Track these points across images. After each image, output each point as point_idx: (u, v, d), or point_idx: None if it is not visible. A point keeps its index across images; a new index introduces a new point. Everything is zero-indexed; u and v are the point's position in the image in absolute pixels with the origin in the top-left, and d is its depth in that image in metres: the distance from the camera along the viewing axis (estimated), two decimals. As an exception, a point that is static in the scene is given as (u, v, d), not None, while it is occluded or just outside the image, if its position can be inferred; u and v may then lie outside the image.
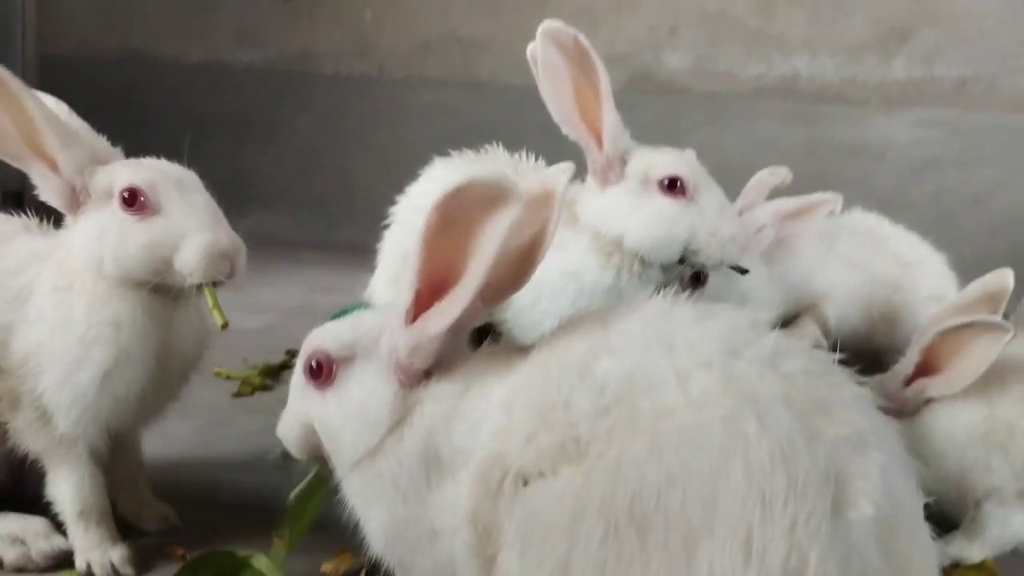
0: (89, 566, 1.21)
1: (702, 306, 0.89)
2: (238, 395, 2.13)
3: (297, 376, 1.03)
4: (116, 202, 1.17)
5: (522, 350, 0.95)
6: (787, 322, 1.86)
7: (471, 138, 5.43)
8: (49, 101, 1.26)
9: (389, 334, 0.96)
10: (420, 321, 0.94)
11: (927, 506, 0.84)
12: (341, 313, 1.72)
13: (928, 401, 1.39)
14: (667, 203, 1.44)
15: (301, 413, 1.02)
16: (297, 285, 3.69)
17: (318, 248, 4.85)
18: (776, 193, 1.99)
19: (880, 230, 1.94)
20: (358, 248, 5.01)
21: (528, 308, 1.49)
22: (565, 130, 1.51)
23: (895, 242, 1.91)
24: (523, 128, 4.71)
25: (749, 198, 1.90)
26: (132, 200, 1.16)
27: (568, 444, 0.81)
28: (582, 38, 1.43)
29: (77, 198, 1.19)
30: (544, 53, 1.44)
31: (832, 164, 4.34)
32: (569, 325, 0.92)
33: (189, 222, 1.16)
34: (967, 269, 4.06)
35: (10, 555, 1.21)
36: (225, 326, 1.22)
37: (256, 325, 2.89)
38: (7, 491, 1.29)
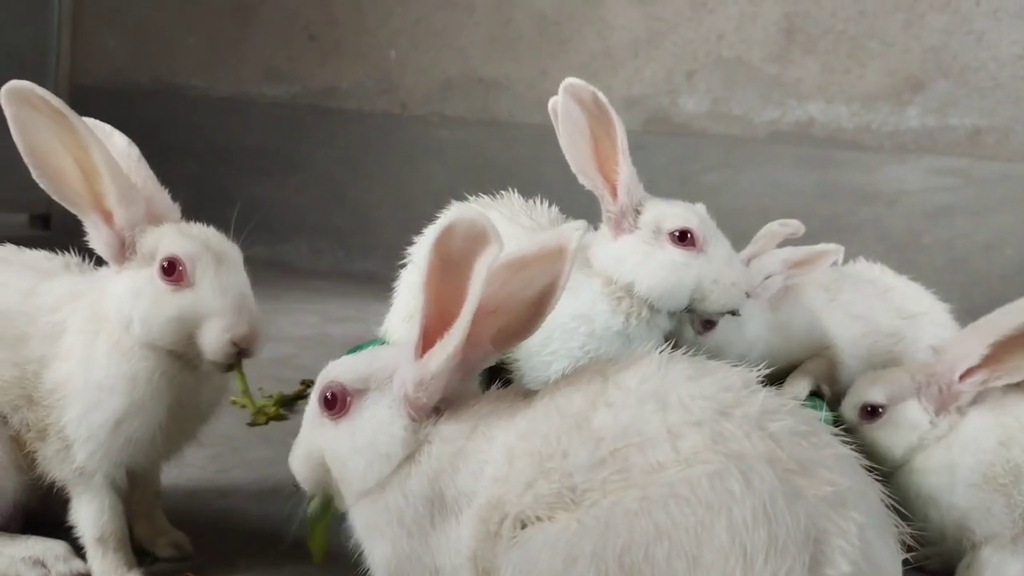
0: (106, 589, 1.25)
1: (698, 363, 0.93)
2: (252, 424, 2.17)
3: (311, 407, 1.08)
4: (156, 268, 1.20)
5: (527, 395, 0.99)
6: (792, 368, 1.90)
7: (489, 175, 5.51)
8: (121, 143, 1.30)
9: (401, 369, 1.01)
10: (424, 357, 0.98)
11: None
12: (357, 348, 1.78)
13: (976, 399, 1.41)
14: (677, 253, 1.50)
15: (313, 445, 1.06)
16: (313, 315, 3.75)
17: (335, 278, 4.92)
18: (789, 243, 2.04)
19: (884, 281, 1.98)
20: (374, 279, 5.09)
21: (539, 349, 1.54)
22: (582, 180, 1.58)
23: (899, 293, 1.94)
24: (540, 166, 4.80)
25: (758, 246, 1.94)
26: (171, 270, 1.19)
27: (564, 492, 0.86)
28: (601, 95, 1.50)
29: (124, 252, 1.22)
30: (565, 108, 1.51)
31: (845, 209, 4.38)
32: (572, 375, 0.97)
33: (216, 304, 1.19)
34: (979, 315, 4.07)
35: (31, 576, 1.25)
36: (256, 415, 1.28)
37: (271, 355, 2.93)
38: (33, 515, 1.34)
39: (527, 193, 5.09)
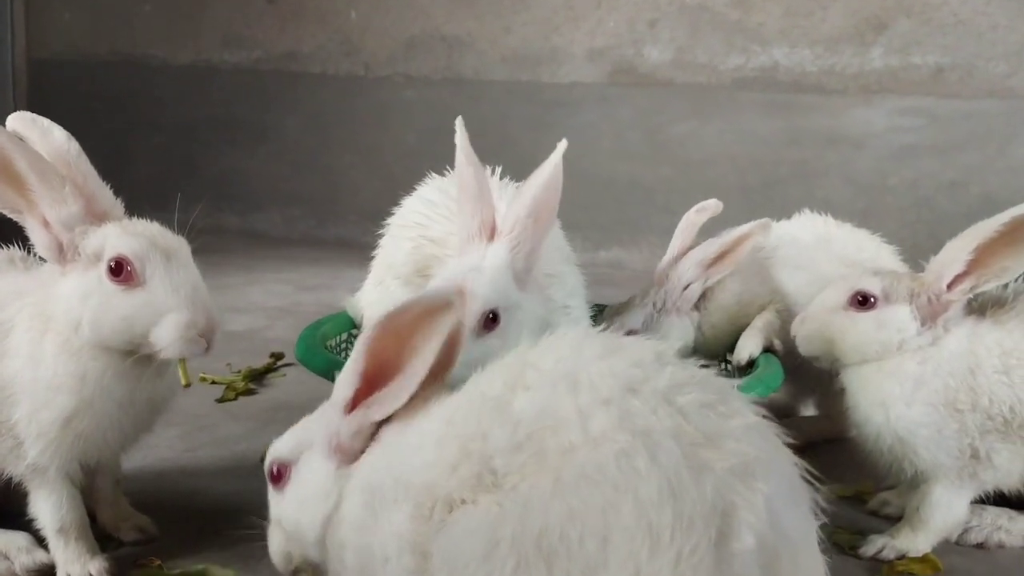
0: (69, 578, 1.27)
1: (613, 340, 0.95)
2: (222, 400, 2.18)
3: (269, 487, 1.12)
4: (103, 269, 1.19)
5: (454, 387, 1.02)
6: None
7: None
8: (60, 138, 1.27)
9: (326, 424, 1.06)
10: (362, 409, 1.04)
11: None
12: (314, 327, 1.80)
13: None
14: None
15: (275, 520, 1.11)
16: (285, 285, 3.75)
17: (308, 245, 4.91)
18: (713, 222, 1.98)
19: (825, 231, 1.96)
20: (348, 244, 5.09)
21: None
22: None
23: (840, 242, 1.92)
24: (507, 124, 4.78)
25: (681, 241, 1.89)
26: (119, 270, 1.18)
27: (485, 475, 0.88)
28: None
29: (65, 254, 1.21)
30: None
31: (812, 153, 4.38)
32: (499, 361, 0.99)
33: (170, 301, 1.19)
34: (946, 254, 4.11)
35: (-6, 569, 1.27)
36: (188, 385, 1.29)
37: (242, 327, 2.95)
38: None
39: (496, 152, 5.05)
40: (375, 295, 1.80)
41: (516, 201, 1.41)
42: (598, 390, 0.87)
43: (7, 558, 1.29)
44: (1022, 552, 1.54)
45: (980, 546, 1.54)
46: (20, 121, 1.29)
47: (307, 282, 3.81)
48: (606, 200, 4.65)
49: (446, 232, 1.65)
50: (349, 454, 1.05)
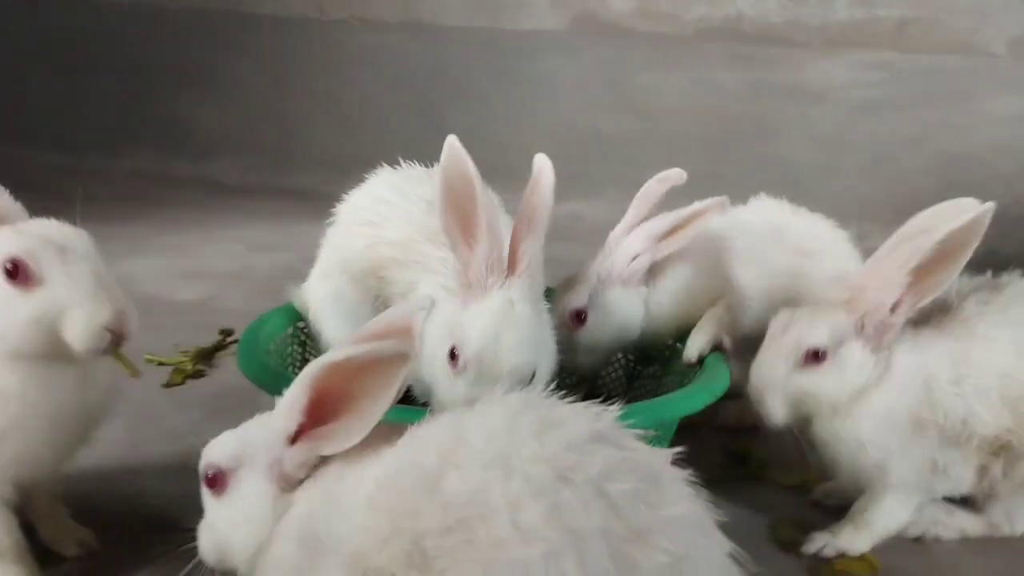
0: (8, 601, 1.25)
1: (547, 413, 0.94)
2: (169, 385, 2.14)
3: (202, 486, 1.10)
4: (0, 275, 1.14)
5: (393, 435, 1.00)
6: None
7: (416, 82, 5.35)
8: None
9: (268, 447, 1.04)
10: (309, 442, 1.03)
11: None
12: (257, 325, 1.76)
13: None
14: None
15: (208, 523, 1.09)
16: (238, 244, 3.68)
17: (264, 196, 4.80)
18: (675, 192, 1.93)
19: (780, 219, 1.91)
20: (305, 195, 5.00)
21: None
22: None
23: (795, 232, 1.89)
24: (468, 71, 4.66)
25: (636, 211, 1.82)
26: (15, 272, 1.14)
27: (415, 554, 0.87)
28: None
29: None
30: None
31: (774, 106, 4.34)
32: (433, 419, 0.98)
33: (70, 295, 1.15)
34: (903, 209, 4.13)
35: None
36: (136, 375, 1.26)
37: (191, 296, 2.90)
38: None
39: (454, 99, 4.96)
40: (321, 290, 1.76)
41: (532, 237, 1.35)
42: (530, 479, 0.86)
43: (-60, 586, 1.27)
44: (958, 547, 1.58)
45: (918, 540, 1.58)
46: None
47: (262, 239, 3.74)
48: (566, 151, 4.58)
49: (406, 236, 1.60)
50: (291, 483, 1.04)
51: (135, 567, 1.40)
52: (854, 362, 1.42)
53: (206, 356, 2.33)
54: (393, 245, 1.62)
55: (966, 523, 1.57)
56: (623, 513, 0.85)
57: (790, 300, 1.84)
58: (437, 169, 1.38)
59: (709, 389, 1.53)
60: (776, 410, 1.45)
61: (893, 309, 1.40)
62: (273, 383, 1.38)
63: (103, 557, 1.42)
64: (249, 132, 5.08)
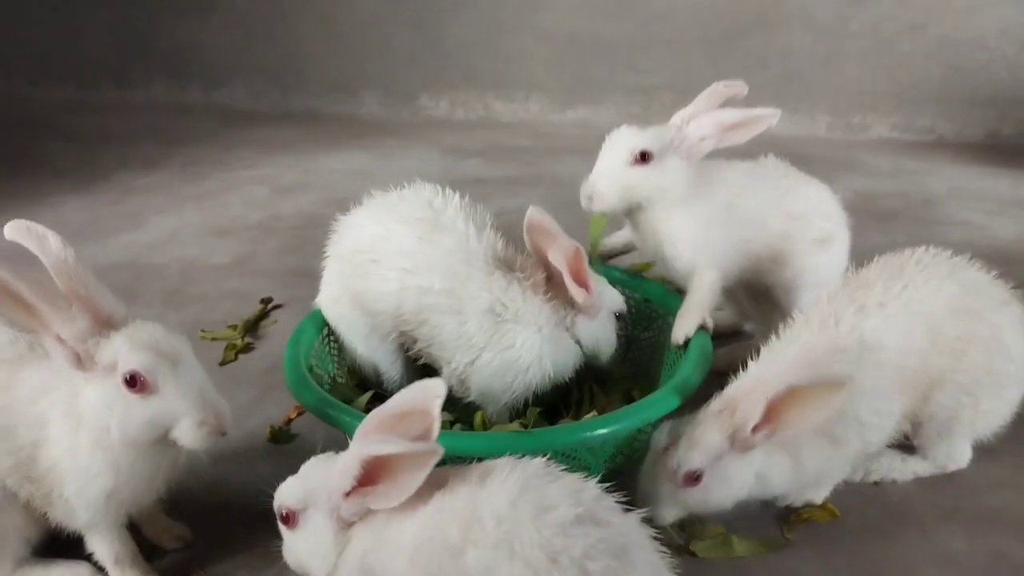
0: (131, 600, 1.55)
1: (542, 497, 1.14)
2: (224, 363, 2.31)
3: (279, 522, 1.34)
4: (120, 381, 1.34)
5: (435, 486, 1.23)
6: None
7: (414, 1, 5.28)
8: (55, 246, 1.36)
9: (329, 498, 1.27)
10: (360, 497, 1.25)
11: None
12: (296, 336, 1.94)
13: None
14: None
15: (287, 549, 1.34)
16: (262, 186, 3.81)
17: (276, 122, 4.89)
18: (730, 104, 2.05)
19: (781, 184, 2.03)
20: (316, 117, 5.09)
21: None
22: None
23: (790, 197, 2.01)
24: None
25: (699, 107, 1.96)
26: (133, 383, 1.34)
27: None
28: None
29: (83, 364, 1.35)
30: None
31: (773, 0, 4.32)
32: (455, 483, 1.20)
33: (182, 405, 1.35)
34: (904, 95, 4.18)
35: (60, 599, 1.53)
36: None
37: (227, 258, 3.06)
38: (56, 539, 1.58)
39: (453, 11, 4.97)
40: (334, 311, 1.97)
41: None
42: (528, 562, 1.08)
43: (74, 587, 1.56)
44: (910, 488, 1.78)
45: (876, 484, 1.79)
46: (16, 230, 1.40)
47: (284, 180, 3.88)
48: (568, 58, 4.61)
49: (444, 288, 1.78)
50: (348, 523, 1.29)
51: (225, 556, 1.65)
52: (734, 474, 1.54)
53: (251, 327, 2.51)
54: (428, 292, 1.78)
55: (918, 467, 1.81)
56: None
57: (776, 255, 2.03)
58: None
59: (692, 375, 1.71)
60: (666, 518, 1.59)
61: (754, 431, 1.50)
62: (329, 415, 1.62)
63: (196, 549, 1.68)
64: (253, 56, 5.11)
